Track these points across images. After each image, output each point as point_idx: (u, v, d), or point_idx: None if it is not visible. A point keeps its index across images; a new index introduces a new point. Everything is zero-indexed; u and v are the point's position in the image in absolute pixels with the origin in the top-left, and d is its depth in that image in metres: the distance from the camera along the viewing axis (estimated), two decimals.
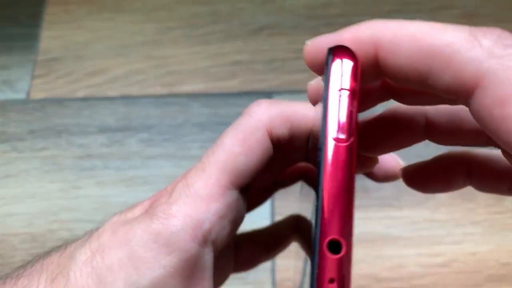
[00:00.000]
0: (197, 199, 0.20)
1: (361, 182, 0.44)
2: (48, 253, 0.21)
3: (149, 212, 0.20)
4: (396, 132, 0.20)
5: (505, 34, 0.15)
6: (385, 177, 0.25)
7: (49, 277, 0.19)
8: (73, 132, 0.47)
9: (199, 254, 0.20)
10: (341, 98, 0.15)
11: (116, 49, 0.52)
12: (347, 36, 0.16)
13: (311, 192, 0.17)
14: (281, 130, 0.22)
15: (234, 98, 0.49)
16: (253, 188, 0.23)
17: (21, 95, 0.50)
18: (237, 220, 0.22)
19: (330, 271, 0.13)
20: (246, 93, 0.49)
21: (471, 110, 0.15)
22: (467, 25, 0.15)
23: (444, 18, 0.53)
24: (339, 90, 0.15)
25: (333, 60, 0.15)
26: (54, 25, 0.54)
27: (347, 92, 0.15)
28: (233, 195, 0.21)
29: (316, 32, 0.52)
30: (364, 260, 0.40)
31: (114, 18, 0.54)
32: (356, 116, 0.15)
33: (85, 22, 0.54)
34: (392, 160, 0.25)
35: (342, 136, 0.14)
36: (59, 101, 0.49)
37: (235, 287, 0.40)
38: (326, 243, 0.13)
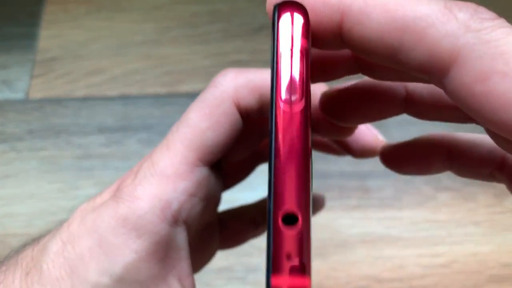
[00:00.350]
0: (163, 178, 0.19)
1: (362, 182, 0.44)
2: (23, 247, 0.21)
3: (116, 195, 0.19)
4: (373, 102, 0.19)
5: (481, 8, 0.14)
6: (363, 152, 0.24)
7: (24, 271, 0.19)
8: (72, 132, 0.47)
9: (171, 235, 0.19)
10: (291, 57, 0.14)
11: (115, 48, 0.52)
12: None
13: None
14: (249, 101, 0.21)
15: None
16: (229, 162, 0.22)
17: (20, 95, 0.50)
18: (211, 197, 0.21)
19: (287, 246, 0.12)
20: None
21: (446, 91, 0.14)
22: None
23: None
24: (289, 49, 0.14)
25: (280, 16, 0.14)
26: (53, 24, 0.54)
27: (298, 51, 0.14)
28: (203, 171, 0.20)
29: None
30: (364, 261, 0.40)
31: (113, 18, 0.54)
32: (309, 77, 0.14)
33: (84, 22, 0.54)
34: (371, 135, 0.24)
35: (294, 97, 0.13)
36: (58, 101, 0.49)
37: (234, 287, 0.40)
38: (281, 216, 0.12)
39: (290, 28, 0.14)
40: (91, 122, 0.48)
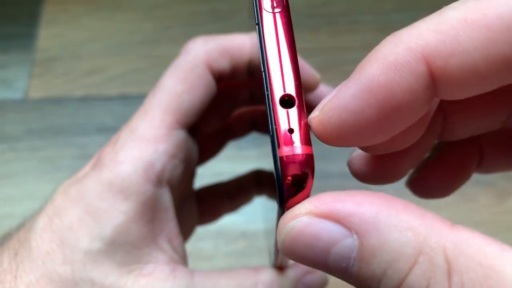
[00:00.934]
0: (143, 141, 0.20)
1: (362, 183, 0.44)
2: (9, 234, 0.21)
3: (97, 164, 0.20)
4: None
5: None
6: None
7: (12, 253, 0.19)
8: (71, 132, 0.47)
9: (156, 195, 0.19)
10: None
11: (114, 48, 0.52)
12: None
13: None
14: (221, 63, 0.21)
15: None
16: (202, 132, 0.23)
17: (19, 95, 0.49)
18: (189, 160, 0.21)
19: (288, 122, 0.13)
20: None
21: None
22: None
23: None
24: None
25: None
26: (52, 24, 0.54)
27: None
28: (181, 134, 0.20)
29: (317, 31, 0.52)
30: None
31: (112, 17, 0.54)
32: None
33: (83, 21, 0.54)
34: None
35: (275, 4, 0.15)
36: (57, 101, 0.49)
37: None
38: (279, 100, 0.13)
39: None
40: (90, 122, 0.47)
